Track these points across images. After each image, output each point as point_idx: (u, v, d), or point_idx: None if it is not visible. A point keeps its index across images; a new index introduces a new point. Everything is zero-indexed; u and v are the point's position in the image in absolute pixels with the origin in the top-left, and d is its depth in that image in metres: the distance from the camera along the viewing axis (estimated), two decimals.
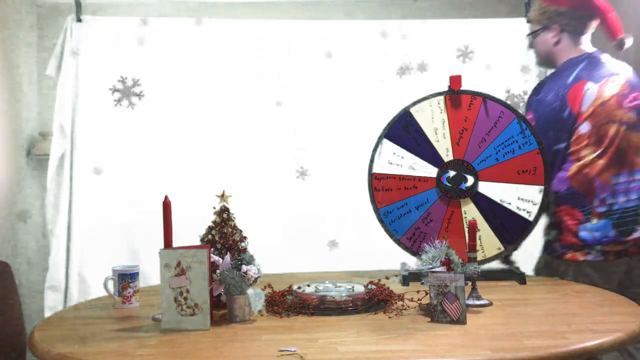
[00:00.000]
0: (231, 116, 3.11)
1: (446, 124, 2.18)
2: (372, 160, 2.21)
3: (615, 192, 2.10)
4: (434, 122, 2.18)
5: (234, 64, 3.12)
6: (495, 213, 2.15)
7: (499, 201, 2.16)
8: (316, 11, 3.43)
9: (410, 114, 2.20)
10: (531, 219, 2.14)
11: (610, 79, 2.15)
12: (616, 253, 2.11)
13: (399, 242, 2.19)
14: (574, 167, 2.13)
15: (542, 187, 2.13)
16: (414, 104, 2.20)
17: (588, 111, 2.11)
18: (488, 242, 2.15)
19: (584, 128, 2.12)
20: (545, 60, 2.37)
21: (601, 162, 2.09)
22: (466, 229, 2.14)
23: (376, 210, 2.20)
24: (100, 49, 3.05)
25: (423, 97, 2.20)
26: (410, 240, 2.18)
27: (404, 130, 2.20)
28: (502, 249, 2.15)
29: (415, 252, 2.15)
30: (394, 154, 2.20)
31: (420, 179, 2.18)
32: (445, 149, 2.18)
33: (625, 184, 2.10)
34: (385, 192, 2.20)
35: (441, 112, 2.18)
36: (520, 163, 2.15)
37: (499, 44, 3.20)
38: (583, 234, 2.13)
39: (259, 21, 3.17)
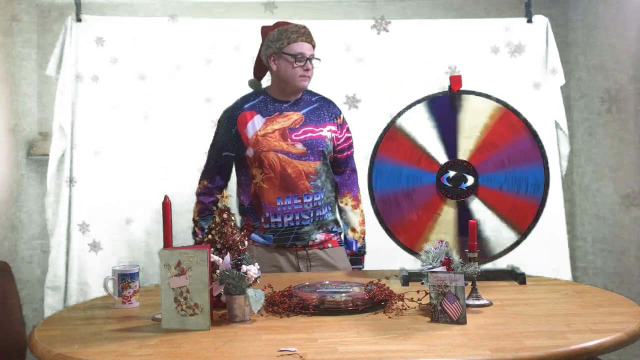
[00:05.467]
0: None
1: (482, 131, 2.17)
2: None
3: (279, 213, 2.36)
4: (474, 122, 2.17)
5: (232, 62, 3.12)
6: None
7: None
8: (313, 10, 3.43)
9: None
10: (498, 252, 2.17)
11: (285, 115, 2.41)
12: None
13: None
14: (252, 185, 2.41)
15: (520, 236, 2.15)
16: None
17: (252, 139, 2.38)
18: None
19: (249, 152, 2.38)
20: None
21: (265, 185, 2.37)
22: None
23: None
24: (100, 49, 3.05)
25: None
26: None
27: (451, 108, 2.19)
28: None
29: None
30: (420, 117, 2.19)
31: (426, 159, 2.18)
32: (465, 149, 2.17)
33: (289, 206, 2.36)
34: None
35: (486, 118, 2.17)
36: (518, 205, 2.15)
37: (499, 43, 3.20)
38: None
39: (255, 21, 3.17)
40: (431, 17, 3.41)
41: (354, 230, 2.50)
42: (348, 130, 2.54)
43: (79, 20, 3.03)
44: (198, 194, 2.48)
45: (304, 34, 2.39)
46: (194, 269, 1.59)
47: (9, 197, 3.11)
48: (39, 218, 3.29)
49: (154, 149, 3.07)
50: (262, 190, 2.37)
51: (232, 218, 1.82)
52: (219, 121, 2.48)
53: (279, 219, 2.36)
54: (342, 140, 2.50)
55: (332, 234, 2.47)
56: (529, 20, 3.20)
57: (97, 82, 3.04)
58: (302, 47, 2.37)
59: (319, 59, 2.43)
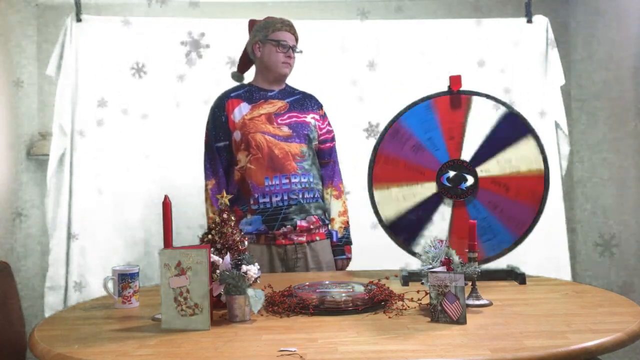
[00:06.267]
0: None
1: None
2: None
3: (267, 193, 2.38)
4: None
5: (232, 62, 3.13)
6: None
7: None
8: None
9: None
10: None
11: (270, 102, 2.48)
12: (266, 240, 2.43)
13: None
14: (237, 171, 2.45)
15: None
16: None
17: (239, 122, 2.44)
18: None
19: (237, 135, 2.43)
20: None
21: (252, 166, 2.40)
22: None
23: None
24: (100, 49, 3.05)
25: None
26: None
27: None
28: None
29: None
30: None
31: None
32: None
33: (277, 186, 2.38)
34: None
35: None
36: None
37: (499, 43, 3.20)
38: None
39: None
40: (431, 17, 3.41)
41: (333, 220, 2.54)
42: (329, 125, 2.62)
43: (79, 20, 3.03)
44: (210, 197, 2.45)
45: (288, 25, 2.52)
46: (194, 269, 1.59)
47: (9, 197, 3.11)
48: (39, 218, 3.29)
49: (157, 148, 3.08)
50: (250, 172, 2.40)
51: (232, 218, 1.83)
52: (209, 116, 2.51)
53: (267, 199, 2.39)
54: (324, 131, 2.57)
55: (320, 222, 2.47)
56: (529, 20, 3.20)
57: (97, 81, 3.04)
58: (286, 36, 2.49)
59: (300, 51, 2.52)
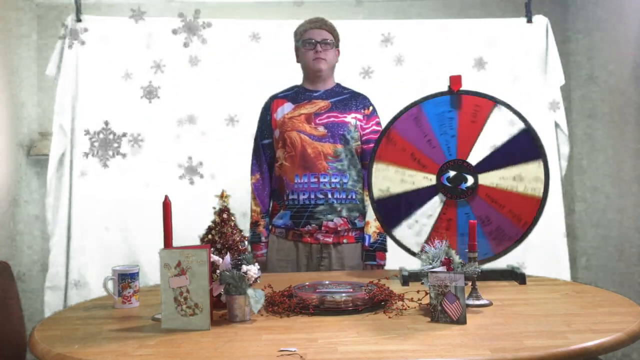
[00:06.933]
0: (232, 115, 3.12)
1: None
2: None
3: (295, 190, 2.44)
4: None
5: (234, 63, 3.13)
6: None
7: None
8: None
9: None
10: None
11: (313, 102, 2.52)
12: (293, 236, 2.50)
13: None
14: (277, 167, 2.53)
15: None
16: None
17: (279, 121, 2.51)
18: None
19: (276, 134, 2.52)
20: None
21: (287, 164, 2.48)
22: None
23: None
24: (100, 49, 3.05)
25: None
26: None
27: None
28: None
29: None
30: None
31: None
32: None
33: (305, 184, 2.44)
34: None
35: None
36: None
37: (498, 43, 3.20)
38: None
39: (257, 21, 3.17)
40: (431, 17, 3.41)
41: (368, 223, 2.51)
42: (378, 124, 2.57)
43: (78, 20, 3.03)
44: (253, 191, 2.55)
45: (315, 22, 2.57)
46: (194, 269, 1.59)
47: (9, 197, 3.11)
48: (39, 218, 3.29)
49: (157, 148, 3.08)
50: (284, 169, 2.48)
51: (232, 218, 1.83)
52: (259, 115, 2.60)
53: (295, 196, 2.45)
54: (368, 130, 2.54)
55: (350, 225, 2.47)
56: (529, 20, 3.20)
57: (97, 81, 3.04)
58: (312, 34, 2.53)
59: (329, 44, 2.52)
